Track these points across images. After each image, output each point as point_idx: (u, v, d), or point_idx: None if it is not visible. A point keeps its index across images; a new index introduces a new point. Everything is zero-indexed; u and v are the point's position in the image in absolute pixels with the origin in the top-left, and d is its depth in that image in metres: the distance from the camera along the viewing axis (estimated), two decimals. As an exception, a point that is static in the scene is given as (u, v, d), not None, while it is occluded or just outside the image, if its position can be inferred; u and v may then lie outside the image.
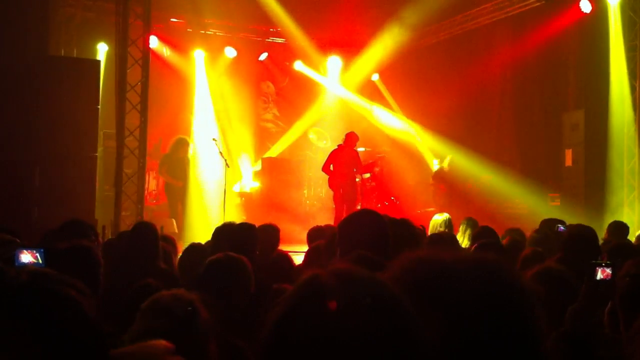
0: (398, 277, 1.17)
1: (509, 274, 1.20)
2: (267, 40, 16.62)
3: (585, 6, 11.99)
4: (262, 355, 1.05)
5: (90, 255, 3.59)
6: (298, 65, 17.02)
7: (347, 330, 0.98)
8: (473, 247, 5.46)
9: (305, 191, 14.96)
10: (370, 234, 3.07)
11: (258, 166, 15.65)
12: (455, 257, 1.22)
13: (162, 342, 1.70)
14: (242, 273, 3.40)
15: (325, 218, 12.69)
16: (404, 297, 1.05)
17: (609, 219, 9.25)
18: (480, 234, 6.05)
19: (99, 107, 9.97)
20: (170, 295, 2.45)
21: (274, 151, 16.58)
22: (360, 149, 12.65)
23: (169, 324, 2.30)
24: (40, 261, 3.56)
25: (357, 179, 12.18)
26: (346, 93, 17.16)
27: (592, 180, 11.80)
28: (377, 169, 14.09)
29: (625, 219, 9.56)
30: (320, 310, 1.00)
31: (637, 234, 7.42)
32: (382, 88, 17.09)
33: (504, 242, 5.76)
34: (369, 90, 17.26)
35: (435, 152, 15.46)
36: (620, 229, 7.39)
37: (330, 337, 0.98)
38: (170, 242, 5.80)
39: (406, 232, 3.80)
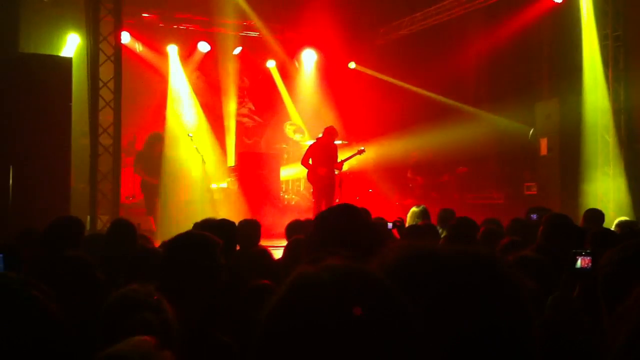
0: (391, 266, 1.16)
1: (505, 269, 1.19)
2: (241, 34, 16.51)
3: (557, -4, 12.10)
4: (255, 353, 1.03)
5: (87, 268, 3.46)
6: (270, 64, 16.99)
7: (345, 327, 0.96)
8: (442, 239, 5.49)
9: (283, 185, 14.93)
10: (348, 229, 3.04)
11: (234, 161, 15.58)
12: (450, 248, 1.21)
13: (146, 338, 1.67)
14: (205, 248, 3.08)
15: (304, 211, 12.69)
16: (400, 291, 1.04)
17: (585, 207, 9.34)
18: (459, 225, 6.07)
19: (71, 104, 9.83)
20: (130, 290, 2.37)
21: (250, 145, 16.54)
22: (337, 142, 12.63)
23: (150, 318, 2.25)
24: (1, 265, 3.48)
25: (335, 172, 12.17)
26: (320, 86, 17.16)
27: (567, 168, 11.91)
28: (354, 162, 14.09)
29: (600, 207, 9.65)
30: (315, 307, 0.99)
31: (616, 221, 7.48)
32: (360, 69, 17.07)
33: (480, 231, 5.77)
34: (345, 82, 17.25)
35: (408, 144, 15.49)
36: (595, 216, 7.45)
37: (327, 333, 0.96)
38: (146, 240, 5.75)
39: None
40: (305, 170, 12.21)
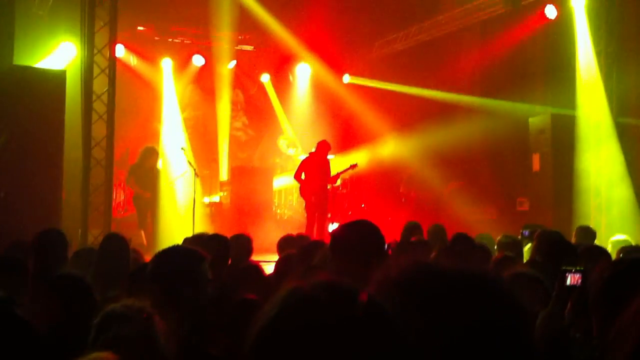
0: (397, 279, 1.17)
1: (509, 292, 1.20)
2: (235, 48, 16.55)
3: (551, 12, 12.17)
4: None
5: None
6: (265, 78, 17.06)
7: (335, 343, 0.96)
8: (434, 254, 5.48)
9: (276, 200, 14.91)
10: (368, 245, 3.08)
11: (227, 175, 15.57)
12: (455, 266, 1.21)
13: (108, 354, 1.67)
14: (191, 263, 3.06)
15: (296, 226, 12.67)
16: (390, 309, 1.03)
17: (577, 224, 9.36)
18: (455, 241, 6.08)
19: (64, 117, 9.81)
20: (122, 306, 2.39)
21: (244, 159, 16.54)
22: (331, 157, 12.64)
23: (127, 333, 2.26)
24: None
25: (328, 187, 12.16)
26: (314, 100, 17.22)
27: (560, 184, 11.92)
28: (347, 176, 14.10)
29: (592, 224, 9.68)
30: (306, 323, 0.99)
31: (611, 239, 7.48)
32: (355, 80, 17.13)
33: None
34: (339, 96, 17.29)
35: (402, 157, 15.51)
36: (587, 233, 7.48)
37: (317, 350, 0.96)
38: (137, 254, 5.72)
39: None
40: (298, 184, 12.20)
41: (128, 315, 2.31)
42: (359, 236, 3.12)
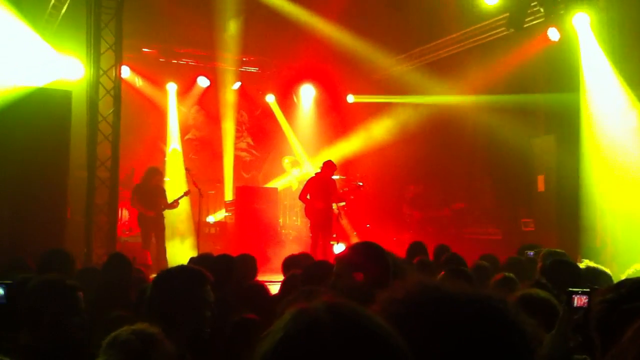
0: (402, 300, 1.17)
1: (513, 314, 1.20)
2: (240, 69, 16.65)
3: (553, 34, 12.21)
4: None
5: (65, 289, 3.50)
6: (270, 99, 17.16)
7: None
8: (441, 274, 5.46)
9: (281, 220, 14.91)
10: (374, 267, 3.09)
11: (232, 195, 15.59)
12: (461, 288, 1.22)
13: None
14: (193, 283, 3.09)
15: (301, 247, 12.65)
16: (394, 331, 1.04)
17: (583, 244, 9.33)
18: (450, 260, 6.10)
19: (70, 137, 9.86)
20: (129, 330, 2.42)
21: (248, 180, 16.58)
22: (335, 177, 12.64)
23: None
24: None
25: (334, 207, 12.15)
26: (319, 120, 17.31)
27: (565, 205, 11.89)
28: (352, 197, 14.10)
29: (598, 243, 9.64)
30: (312, 345, 0.99)
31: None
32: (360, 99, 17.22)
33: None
34: (343, 117, 17.36)
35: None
36: (592, 254, 7.46)
37: None
38: (141, 273, 5.73)
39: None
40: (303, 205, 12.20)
41: (130, 342, 2.35)
42: (364, 257, 3.14)
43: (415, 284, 1.22)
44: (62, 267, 4.99)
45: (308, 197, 11.92)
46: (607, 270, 5.14)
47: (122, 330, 2.43)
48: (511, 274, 4.75)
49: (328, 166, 12.14)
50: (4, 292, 3.48)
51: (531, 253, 6.60)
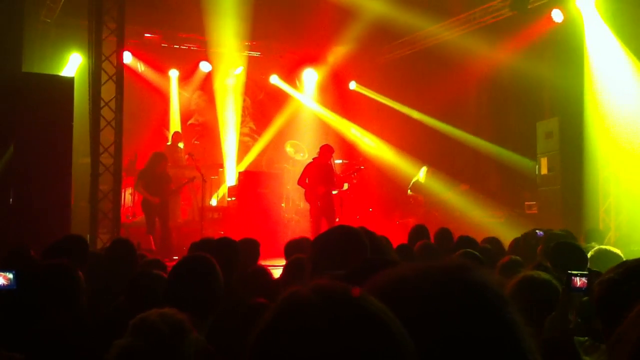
0: (379, 290, 1.17)
1: (475, 276, 1.19)
2: (242, 54, 16.60)
3: (557, 16, 12.15)
4: None
5: (68, 273, 3.55)
6: (274, 79, 17.11)
7: (330, 348, 0.97)
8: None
9: (284, 204, 14.92)
10: (347, 251, 3.03)
11: (235, 180, 15.59)
12: (419, 266, 1.21)
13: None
14: (207, 274, 3.25)
15: (304, 231, 12.65)
16: (388, 311, 1.04)
17: (586, 226, 9.33)
18: (460, 244, 6.10)
19: (73, 123, 9.87)
20: (158, 314, 2.40)
21: (251, 165, 16.56)
22: (338, 161, 12.60)
23: (154, 343, 2.28)
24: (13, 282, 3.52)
25: (334, 192, 12.11)
26: (321, 107, 17.27)
27: (568, 187, 11.87)
28: (355, 180, 14.08)
29: (601, 226, 9.65)
30: (302, 327, 0.99)
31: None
32: (362, 90, 17.19)
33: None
34: (346, 101, 17.32)
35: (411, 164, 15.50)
36: (596, 234, 7.47)
37: (313, 354, 0.97)
38: (146, 258, 5.75)
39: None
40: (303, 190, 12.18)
41: (159, 326, 2.33)
42: (337, 241, 3.07)
43: (392, 272, 1.21)
44: (78, 251, 4.98)
45: (307, 181, 11.84)
46: (619, 252, 5.15)
47: (150, 313, 2.40)
48: (517, 257, 4.76)
49: (326, 150, 12.05)
50: (14, 277, 3.52)
51: (540, 233, 6.58)
